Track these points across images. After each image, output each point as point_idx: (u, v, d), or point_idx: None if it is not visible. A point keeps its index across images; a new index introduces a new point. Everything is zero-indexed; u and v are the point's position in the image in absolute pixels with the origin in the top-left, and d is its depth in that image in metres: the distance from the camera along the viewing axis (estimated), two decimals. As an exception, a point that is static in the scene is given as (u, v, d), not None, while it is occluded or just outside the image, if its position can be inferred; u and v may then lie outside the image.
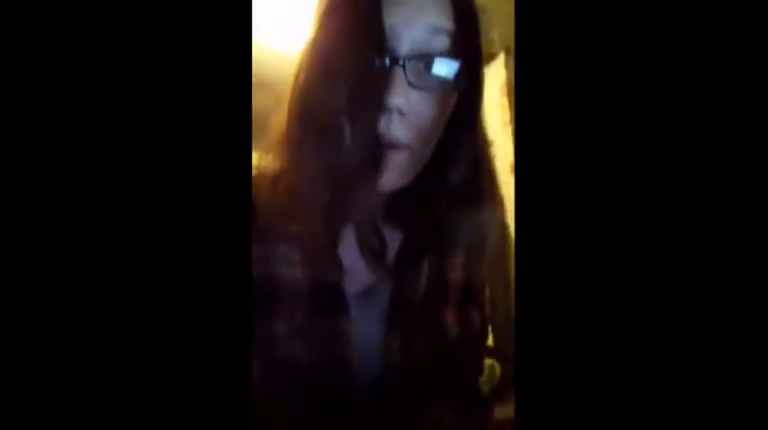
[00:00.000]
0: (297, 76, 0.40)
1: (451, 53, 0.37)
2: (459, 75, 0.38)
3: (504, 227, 0.50)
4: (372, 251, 0.42)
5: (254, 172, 0.43)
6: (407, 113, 0.37)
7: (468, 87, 0.40)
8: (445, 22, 0.38)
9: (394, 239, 0.45)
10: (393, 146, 0.38)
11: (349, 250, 0.43)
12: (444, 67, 0.37)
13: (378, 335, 0.43)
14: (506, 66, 2.17)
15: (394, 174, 0.39)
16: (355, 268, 0.43)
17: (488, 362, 1.97)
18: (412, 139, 0.38)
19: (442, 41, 0.37)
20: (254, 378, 0.38)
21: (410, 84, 0.36)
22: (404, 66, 0.36)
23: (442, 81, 0.38)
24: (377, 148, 0.37)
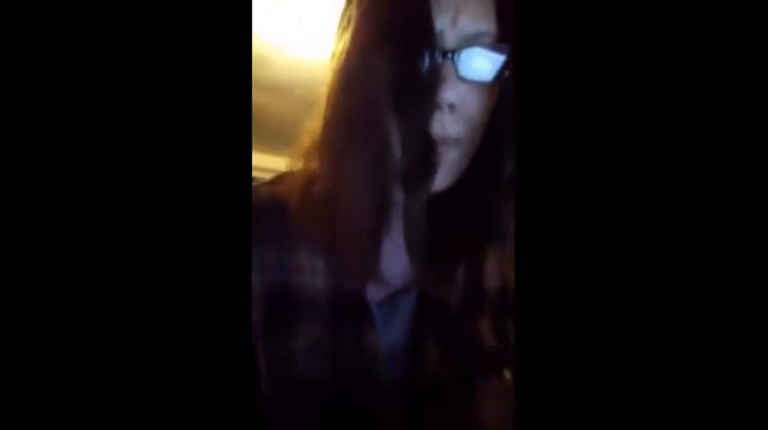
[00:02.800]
0: (333, 78, 0.39)
1: (496, 45, 0.36)
2: (503, 66, 0.37)
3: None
4: (422, 256, 0.40)
5: (283, 177, 0.42)
6: (459, 108, 0.36)
7: (512, 78, 0.39)
8: (489, 14, 0.37)
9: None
10: (445, 143, 0.37)
11: (386, 255, 0.41)
12: (490, 59, 0.36)
13: (403, 346, 0.41)
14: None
15: (444, 172, 0.38)
16: (388, 274, 0.41)
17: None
18: (463, 134, 0.37)
19: (487, 34, 0.36)
20: (268, 395, 0.36)
21: (460, 77, 0.36)
22: (453, 59, 0.35)
23: (488, 73, 0.37)
24: (431, 148, 0.36)
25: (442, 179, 0.38)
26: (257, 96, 2.47)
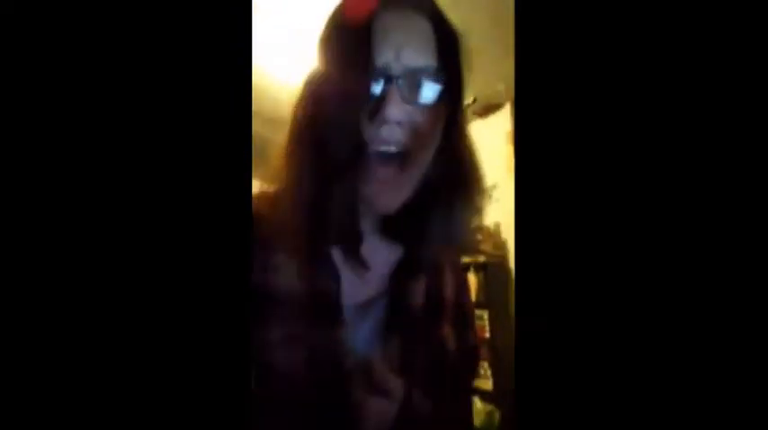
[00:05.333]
0: (300, 103, 0.45)
1: (436, 76, 0.43)
2: (444, 92, 0.44)
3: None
4: (355, 269, 0.46)
5: (257, 191, 0.47)
6: (406, 123, 0.43)
7: (452, 102, 0.46)
8: (430, 51, 0.44)
9: (394, 252, 0.50)
10: (391, 154, 0.43)
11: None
12: (431, 87, 0.43)
13: (375, 347, 0.45)
14: (512, 116, 2.25)
15: (389, 190, 0.43)
16: (352, 279, 0.46)
17: (488, 408, 1.90)
18: (410, 145, 0.43)
19: (429, 67, 0.43)
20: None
21: (405, 99, 0.42)
22: (397, 84, 0.41)
23: (430, 98, 0.44)
24: (365, 156, 0.42)
25: (388, 199, 0.44)
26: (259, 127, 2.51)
